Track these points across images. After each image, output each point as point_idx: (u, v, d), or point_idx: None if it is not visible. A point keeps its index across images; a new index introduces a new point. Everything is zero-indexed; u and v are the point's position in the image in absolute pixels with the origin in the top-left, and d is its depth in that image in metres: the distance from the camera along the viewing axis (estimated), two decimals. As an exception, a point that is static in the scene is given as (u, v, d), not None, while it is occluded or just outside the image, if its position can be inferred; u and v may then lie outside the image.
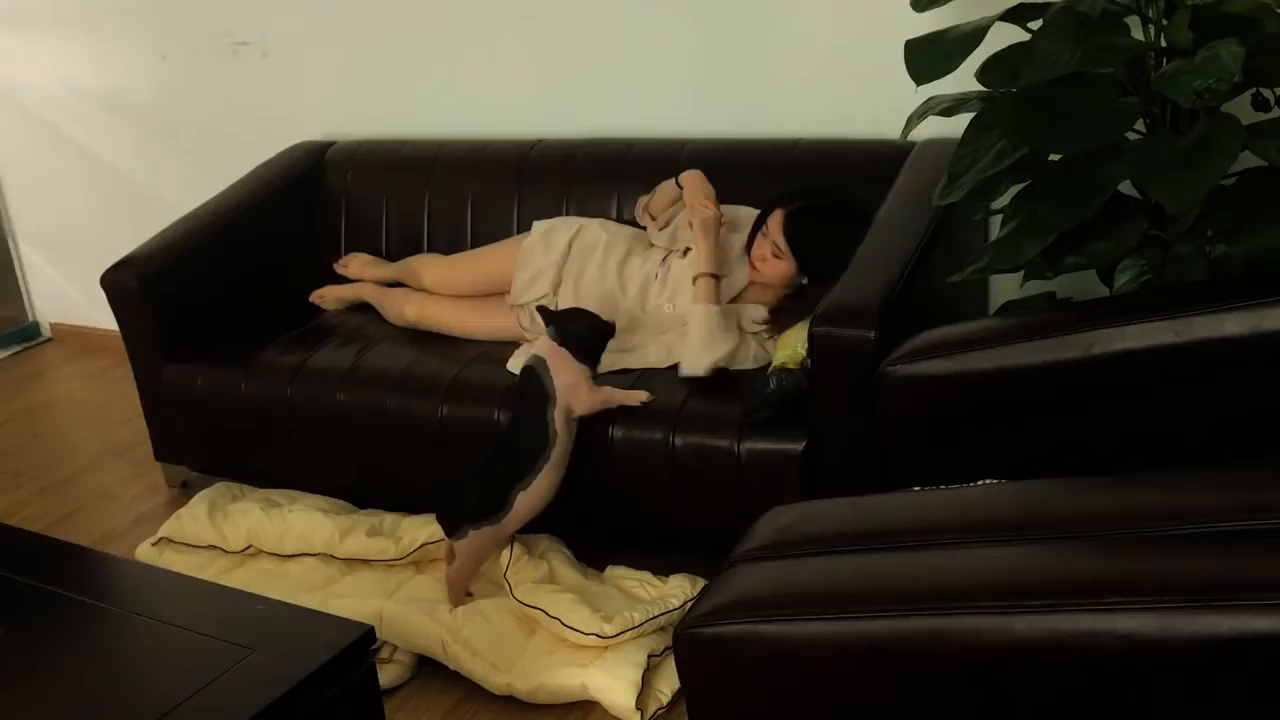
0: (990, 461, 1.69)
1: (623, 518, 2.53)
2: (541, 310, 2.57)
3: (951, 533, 1.35)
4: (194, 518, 2.79)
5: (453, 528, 2.38)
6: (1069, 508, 1.40)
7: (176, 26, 3.62)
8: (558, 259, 2.80)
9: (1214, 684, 1.08)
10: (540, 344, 2.47)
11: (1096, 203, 1.86)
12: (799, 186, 2.64)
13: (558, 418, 2.39)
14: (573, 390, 2.42)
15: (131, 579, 1.93)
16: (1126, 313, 1.66)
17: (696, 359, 2.46)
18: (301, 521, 2.67)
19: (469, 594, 2.42)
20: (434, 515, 2.45)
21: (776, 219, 2.57)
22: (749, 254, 2.64)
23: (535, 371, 2.43)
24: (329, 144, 3.42)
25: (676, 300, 2.66)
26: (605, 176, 3.00)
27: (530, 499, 2.39)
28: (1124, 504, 1.36)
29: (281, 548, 2.67)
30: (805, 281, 2.57)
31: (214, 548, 2.73)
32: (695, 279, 2.55)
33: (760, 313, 2.60)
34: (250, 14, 3.49)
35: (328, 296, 3.18)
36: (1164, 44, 1.94)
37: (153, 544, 2.78)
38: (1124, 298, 1.93)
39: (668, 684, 2.19)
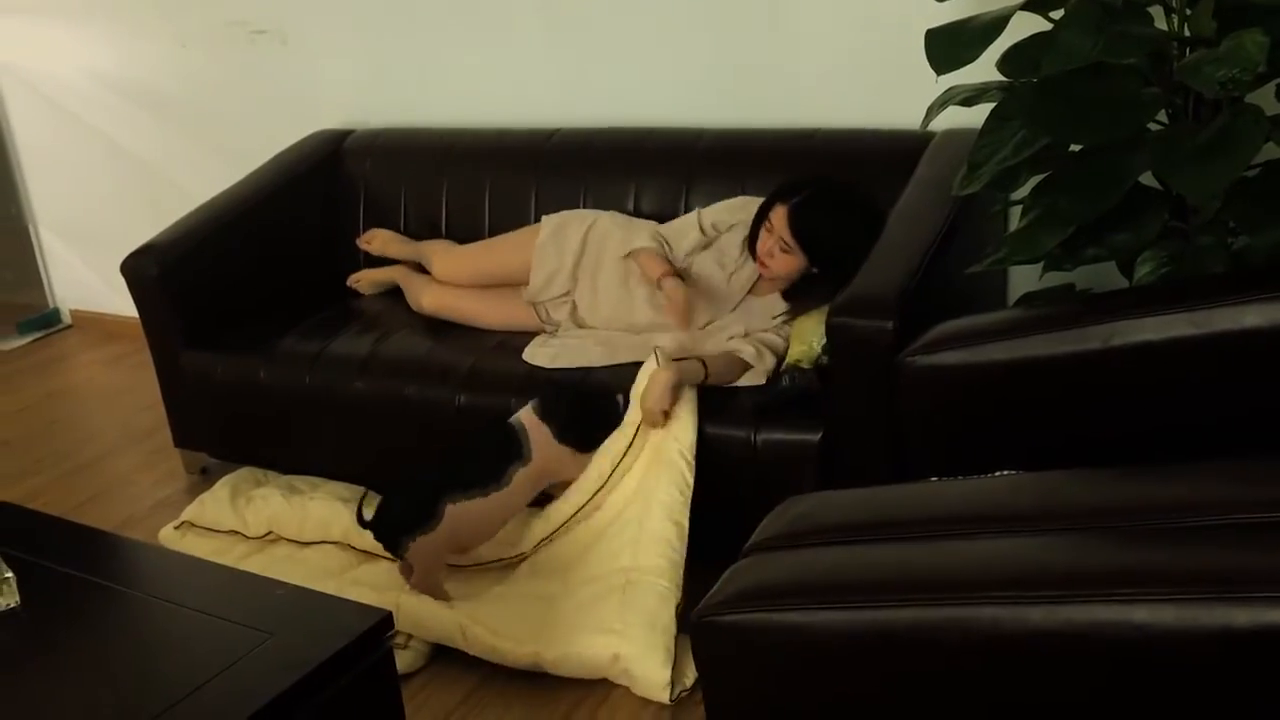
0: (1008, 453, 1.69)
1: (639, 507, 2.53)
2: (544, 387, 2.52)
3: (968, 523, 1.35)
4: (216, 501, 2.81)
5: (392, 545, 2.38)
6: (1086, 499, 1.40)
7: (196, 15, 3.63)
8: (573, 257, 2.80)
9: (1231, 676, 1.08)
10: (523, 413, 2.46)
11: (1117, 194, 1.85)
12: (796, 178, 2.62)
13: (520, 475, 2.40)
14: (558, 463, 2.44)
15: (152, 563, 1.95)
16: (1146, 305, 1.65)
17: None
18: (321, 509, 2.69)
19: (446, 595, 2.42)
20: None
21: (780, 215, 2.53)
22: (753, 250, 2.61)
23: (515, 429, 2.43)
24: (347, 132, 3.43)
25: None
26: (623, 166, 2.99)
27: (461, 513, 2.35)
28: (1142, 496, 1.36)
29: (301, 534, 2.69)
30: (815, 270, 2.56)
31: (234, 533, 2.75)
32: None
33: (778, 305, 2.59)
34: (269, 2, 3.49)
35: (364, 280, 3.20)
36: (1187, 34, 1.93)
37: (175, 527, 2.80)
38: (1144, 289, 1.92)
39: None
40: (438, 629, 2.31)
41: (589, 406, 2.45)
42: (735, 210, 2.72)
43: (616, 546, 2.37)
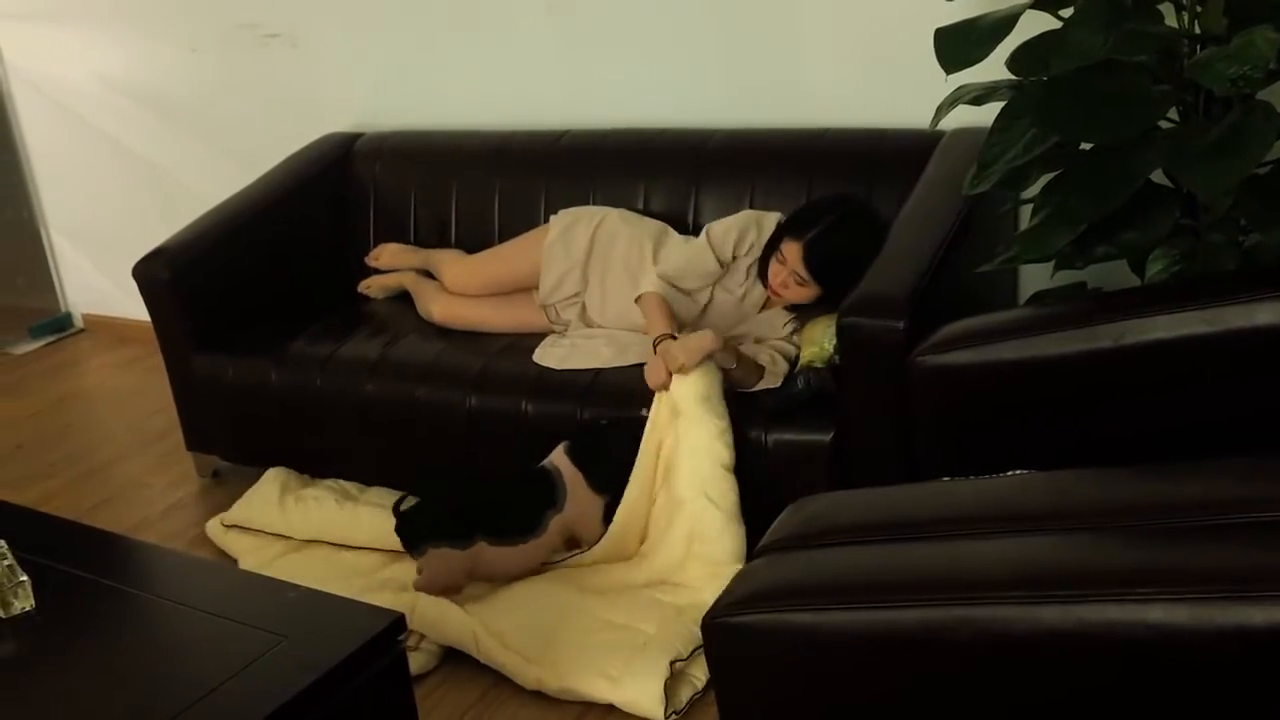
0: (1019, 452, 1.68)
1: (650, 507, 2.53)
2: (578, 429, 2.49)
3: (980, 523, 1.35)
4: (264, 502, 2.80)
5: (411, 544, 2.40)
6: (1099, 498, 1.39)
7: (206, 19, 3.64)
8: (581, 257, 2.80)
9: (1246, 676, 1.07)
10: (557, 455, 2.45)
11: (1128, 192, 1.85)
12: (808, 207, 2.62)
13: (555, 521, 2.41)
14: (583, 521, 2.44)
15: (165, 567, 1.95)
16: (1158, 303, 1.65)
17: None
18: (373, 517, 2.67)
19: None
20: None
21: (794, 251, 2.51)
22: (762, 275, 2.61)
23: (552, 476, 2.43)
24: (357, 135, 3.43)
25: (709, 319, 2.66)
26: (632, 166, 2.99)
27: (491, 555, 2.38)
28: (1154, 495, 1.36)
29: (350, 540, 2.69)
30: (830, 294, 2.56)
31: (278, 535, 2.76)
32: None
33: (785, 315, 2.60)
34: (279, 6, 3.50)
35: (374, 285, 3.21)
36: (1198, 31, 1.92)
37: (224, 525, 2.81)
38: (1155, 287, 1.92)
39: (701, 669, 2.19)
40: (453, 634, 2.31)
41: (619, 448, 2.43)
42: (744, 229, 2.69)
43: (643, 577, 2.39)
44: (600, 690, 2.16)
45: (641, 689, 2.12)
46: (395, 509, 2.43)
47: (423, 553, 2.38)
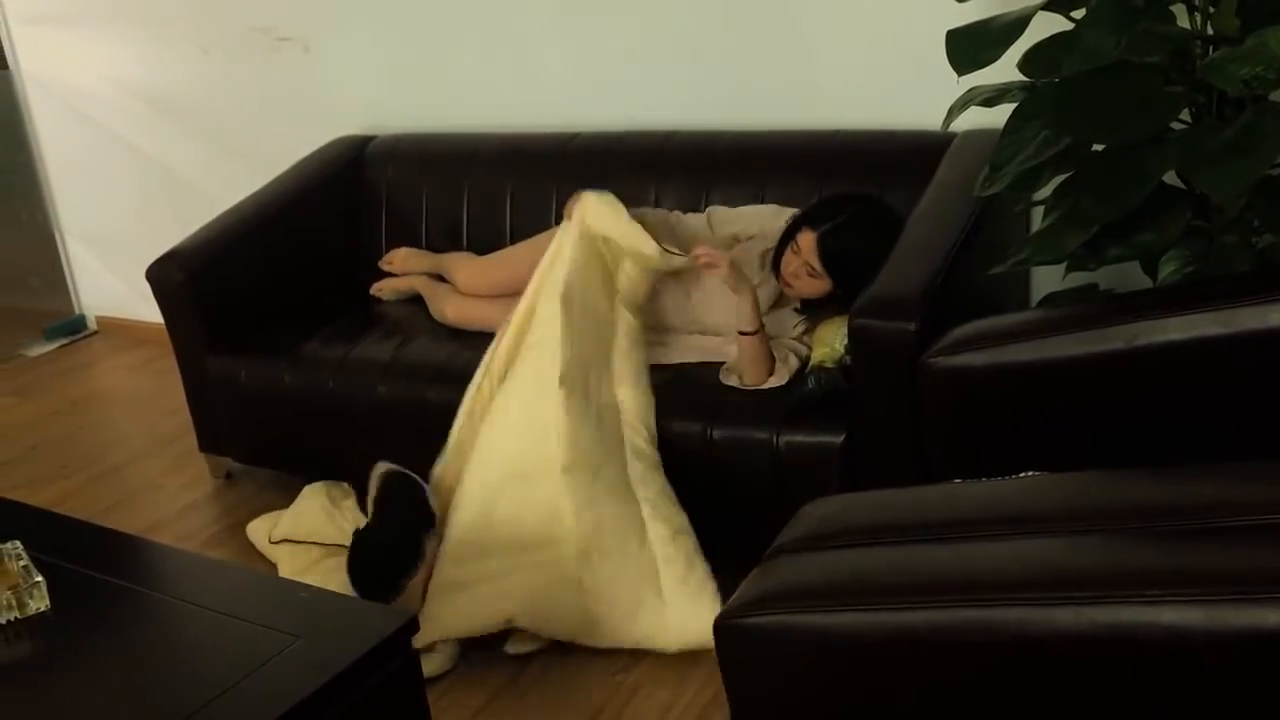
0: (1032, 454, 1.68)
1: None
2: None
3: (992, 524, 1.35)
4: (311, 514, 2.77)
5: (382, 596, 2.34)
6: (1112, 500, 1.39)
7: (218, 22, 3.66)
8: None
9: (1260, 677, 1.07)
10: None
11: (1140, 193, 1.85)
12: (827, 200, 2.62)
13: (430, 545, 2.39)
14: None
15: (179, 567, 1.96)
16: (1171, 304, 1.64)
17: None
18: None
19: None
20: None
21: (809, 240, 2.50)
22: (775, 267, 2.60)
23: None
24: (369, 138, 3.44)
25: (712, 310, 2.66)
26: (643, 168, 3.00)
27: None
28: (1168, 496, 1.35)
29: None
30: (841, 292, 2.56)
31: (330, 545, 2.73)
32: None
33: (794, 317, 2.60)
34: (291, 9, 3.52)
35: (385, 288, 3.22)
36: (1210, 31, 1.92)
37: (272, 541, 2.76)
38: (1168, 289, 1.91)
39: None
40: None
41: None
42: (750, 219, 2.70)
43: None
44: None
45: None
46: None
47: (401, 592, 2.33)
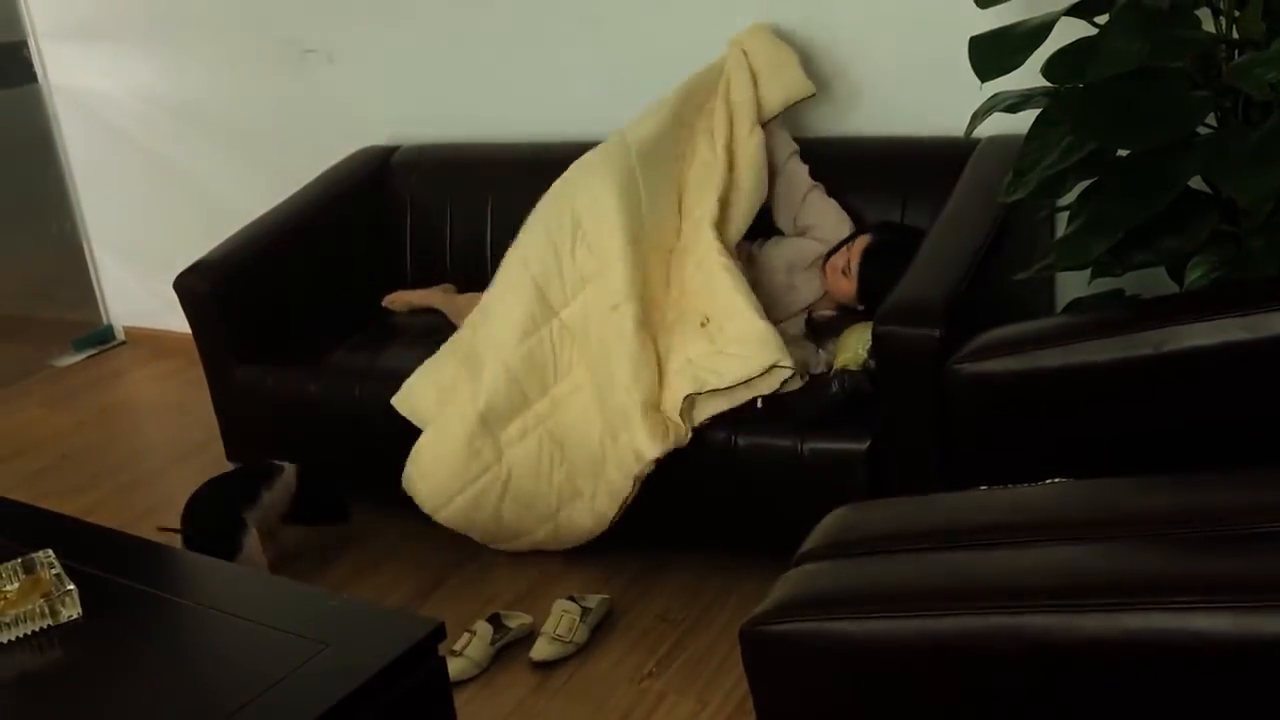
0: (1058, 460, 1.68)
1: (687, 517, 2.54)
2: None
3: (1019, 531, 1.34)
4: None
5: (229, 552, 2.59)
6: (1139, 506, 1.38)
7: (245, 35, 3.69)
8: None
9: (1291, 684, 1.07)
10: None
11: (1166, 198, 1.84)
12: (900, 224, 2.66)
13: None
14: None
15: (208, 575, 1.97)
16: (1198, 309, 1.64)
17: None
18: None
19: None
20: None
21: (862, 242, 2.58)
22: (826, 262, 2.65)
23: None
24: (394, 148, 3.47)
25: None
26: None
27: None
28: (1196, 502, 1.35)
29: None
30: (861, 309, 2.58)
31: None
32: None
33: (798, 322, 2.64)
34: (316, 21, 3.55)
35: (397, 301, 3.23)
36: (1236, 36, 1.91)
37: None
38: (1195, 294, 1.90)
39: None
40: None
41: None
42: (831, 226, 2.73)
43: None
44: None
45: None
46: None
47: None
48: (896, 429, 2.22)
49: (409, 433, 2.76)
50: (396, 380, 2.78)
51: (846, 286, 2.58)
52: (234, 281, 3.00)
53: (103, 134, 4.17)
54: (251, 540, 2.57)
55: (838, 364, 2.44)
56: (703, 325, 2.47)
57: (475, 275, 3.15)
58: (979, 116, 2.09)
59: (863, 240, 2.59)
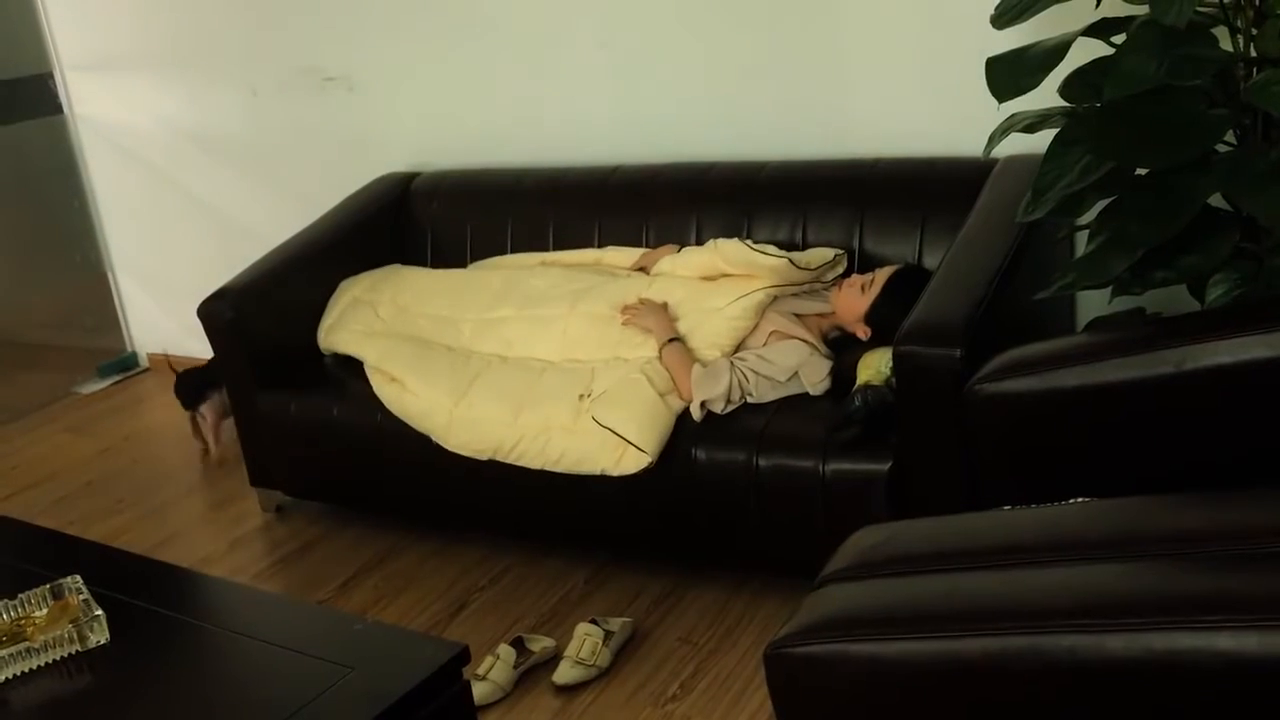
0: (1080, 480, 1.67)
1: (708, 539, 2.54)
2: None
3: (1043, 551, 1.34)
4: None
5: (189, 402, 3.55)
6: (1164, 525, 1.38)
7: (266, 64, 3.73)
8: None
9: (1320, 704, 1.06)
10: None
11: (1186, 217, 1.84)
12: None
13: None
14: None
15: (233, 600, 1.99)
16: (1219, 328, 1.63)
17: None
18: None
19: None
20: None
21: (893, 267, 2.61)
22: (842, 280, 2.66)
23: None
24: (414, 175, 3.50)
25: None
26: (685, 200, 3.02)
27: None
28: (1220, 521, 1.34)
29: None
30: (865, 338, 2.58)
31: None
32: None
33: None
34: (337, 50, 3.59)
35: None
36: (1254, 54, 1.92)
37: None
38: (1216, 312, 1.90)
39: None
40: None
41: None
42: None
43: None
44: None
45: None
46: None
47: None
48: (918, 449, 2.22)
49: (431, 458, 2.77)
50: (418, 404, 2.80)
51: (858, 304, 2.57)
52: (257, 308, 3.03)
53: (126, 163, 4.22)
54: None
55: (860, 381, 2.44)
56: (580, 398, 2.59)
57: (495, 299, 3.17)
58: (997, 137, 2.10)
59: (893, 267, 2.60)
